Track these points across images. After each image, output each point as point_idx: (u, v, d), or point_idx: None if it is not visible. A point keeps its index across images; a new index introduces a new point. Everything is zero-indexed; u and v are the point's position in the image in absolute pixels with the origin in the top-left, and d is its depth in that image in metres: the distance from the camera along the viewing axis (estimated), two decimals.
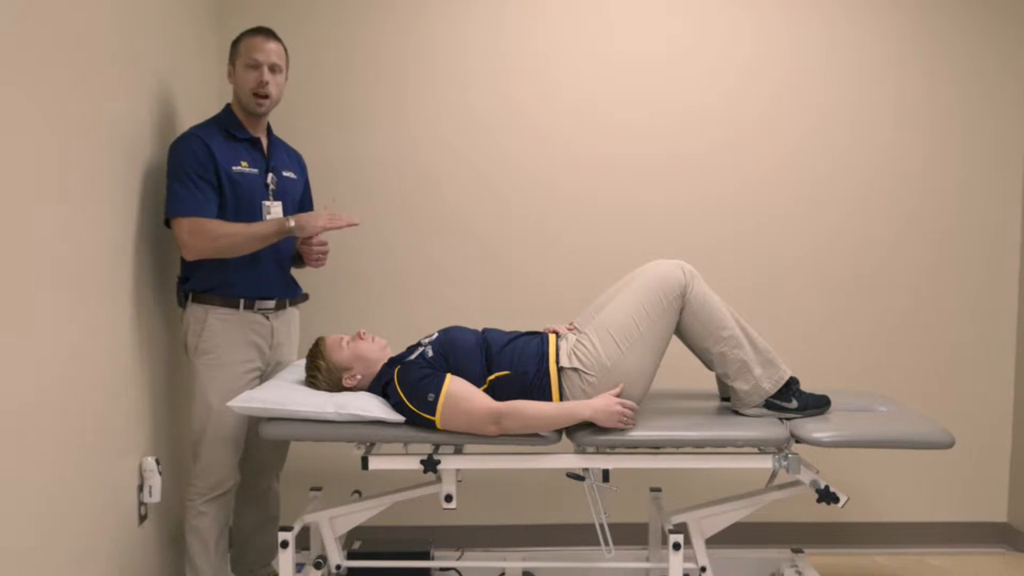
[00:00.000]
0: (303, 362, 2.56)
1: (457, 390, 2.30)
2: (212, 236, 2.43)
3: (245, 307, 2.54)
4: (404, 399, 2.32)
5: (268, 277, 2.58)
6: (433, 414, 2.28)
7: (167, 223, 2.49)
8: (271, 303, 2.60)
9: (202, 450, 2.53)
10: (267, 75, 2.53)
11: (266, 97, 2.54)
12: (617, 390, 2.36)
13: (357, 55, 3.20)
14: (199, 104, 2.92)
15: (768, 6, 3.23)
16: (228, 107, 2.62)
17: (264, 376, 2.63)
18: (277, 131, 2.75)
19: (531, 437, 2.33)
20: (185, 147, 2.47)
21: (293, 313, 2.75)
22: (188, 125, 2.65)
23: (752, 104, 3.25)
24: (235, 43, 2.58)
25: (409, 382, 2.34)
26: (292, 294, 2.71)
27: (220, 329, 2.50)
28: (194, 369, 2.54)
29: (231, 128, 2.56)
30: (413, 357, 2.43)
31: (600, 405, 2.32)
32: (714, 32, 3.23)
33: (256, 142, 2.61)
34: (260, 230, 2.47)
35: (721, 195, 3.26)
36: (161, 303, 2.61)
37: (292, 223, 2.48)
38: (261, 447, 2.68)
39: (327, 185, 3.08)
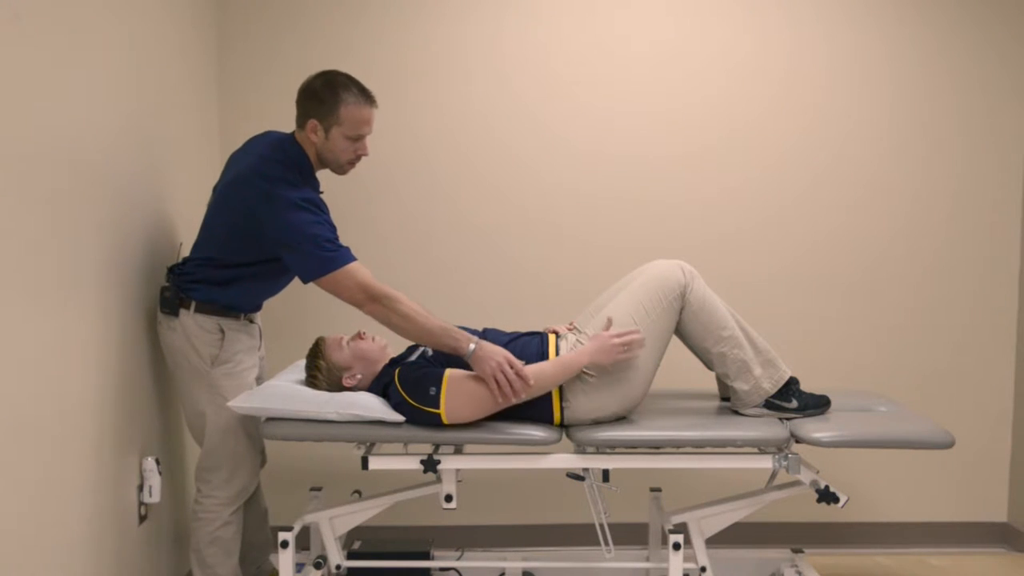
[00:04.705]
0: (303, 362, 2.55)
1: (456, 375, 2.31)
2: (402, 312, 2.27)
3: (245, 317, 2.53)
4: (407, 398, 2.32)
5: (264, 293, 2.57)
6: (437, 407, 2.28)
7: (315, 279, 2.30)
8: (258, 311, 2.62)
9: (225, 461, 2.45)
10: (366, 146, 2.45)
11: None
12: (607, 328, 2.37)
13: (356, 52, 3.18)
14: (195, 101, 2.92)
15: (767, 5, 3.23)
16: (301, 149, 2.43)
17: (257, 380, 2.62)
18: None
19: (531, 437, 2.32)
20: (303, 195, 2.30)
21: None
22: (182, 130, 2.58)
23: (752, 102, 3.25)
24: (331, 102, 2.36)
25: (410, 381, 2.34)
26: None
27: (234, 338, 2.46)
28: (209, 380, 2.41)
29: (307, 176, 2.43)
30: (414, 358, 2.44)
31: (595, 347, 2.33)
32: (714, 30, 3.23)
33: (318, 187, 2.51)
34: (442, 339, 2.31)
35: (721, 193, 3.26)
36: None
37: (471, 350, 2.29)
38: None
39: (325, 184, 3.08)
